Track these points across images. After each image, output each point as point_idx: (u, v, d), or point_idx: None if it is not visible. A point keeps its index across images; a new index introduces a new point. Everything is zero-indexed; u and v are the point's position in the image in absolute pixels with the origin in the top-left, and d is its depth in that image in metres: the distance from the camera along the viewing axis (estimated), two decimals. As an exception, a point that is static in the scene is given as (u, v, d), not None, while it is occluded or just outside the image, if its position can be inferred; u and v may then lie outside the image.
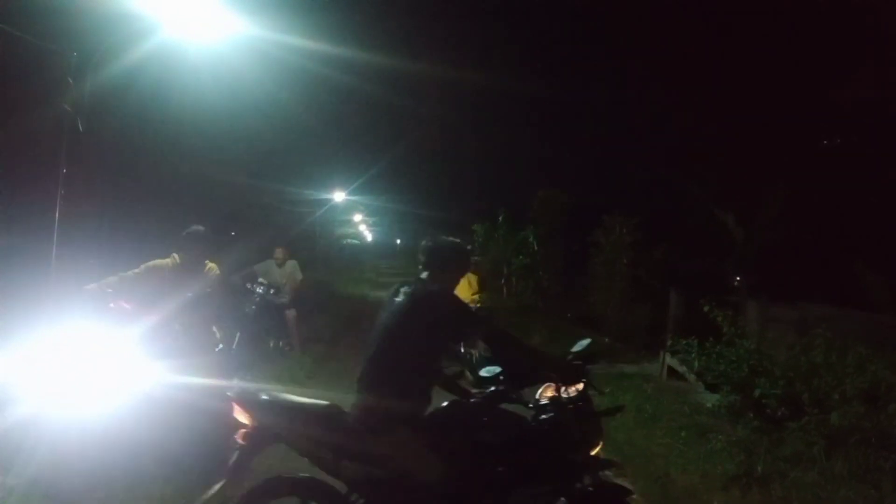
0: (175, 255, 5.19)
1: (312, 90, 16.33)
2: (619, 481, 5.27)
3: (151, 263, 5.13)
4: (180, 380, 4.64)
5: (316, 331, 11.78)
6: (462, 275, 3.64)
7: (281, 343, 9.27)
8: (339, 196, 27.35)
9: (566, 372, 3.34)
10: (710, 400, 7.47)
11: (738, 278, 14.44)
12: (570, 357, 3.50)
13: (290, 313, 9.31)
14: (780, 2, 14.31)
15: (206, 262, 5.28)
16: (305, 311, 11.71)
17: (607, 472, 3.59)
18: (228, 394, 3.21)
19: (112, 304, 4.89)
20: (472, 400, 3.45)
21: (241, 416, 3.11)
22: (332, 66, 13.70)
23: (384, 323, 3.26)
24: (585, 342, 3.61)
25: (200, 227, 5.24)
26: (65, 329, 4.57)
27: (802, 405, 5.87)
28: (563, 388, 3.45)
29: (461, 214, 28.32)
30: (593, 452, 3.46)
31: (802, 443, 5.57)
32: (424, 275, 3.43)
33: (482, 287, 10.97)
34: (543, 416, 3.33)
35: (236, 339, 7.78)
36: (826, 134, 13.45)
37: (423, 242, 3.54)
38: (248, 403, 3.12)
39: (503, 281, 25.76)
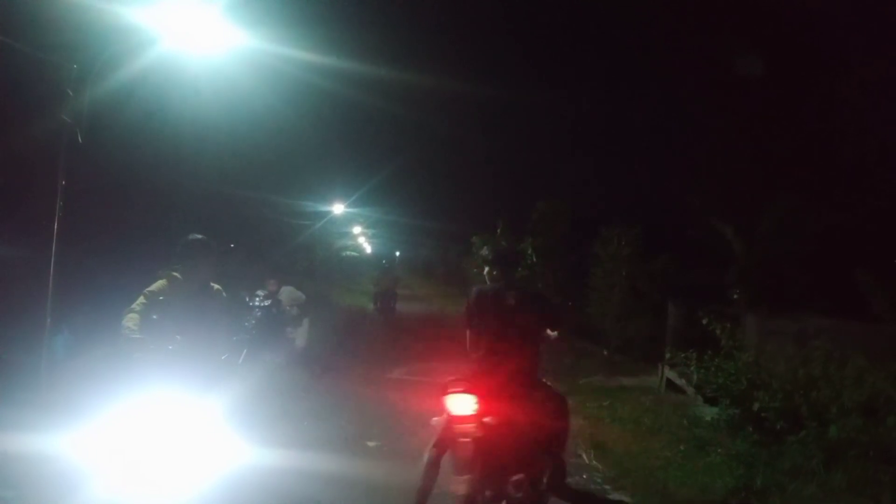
0: (174, 273, 4.48)
1: (312, 102, 16.44)
2: (618, 494, 5.28)
3: (153, 290, 4.40)
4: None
5: (312, 344, 11.73)
6: None
7: (277, 358, 9.36)
8: (338, 208, 27.36)
9: None
10: (709, 413, 7.44)
11: (736, 290, 14.39)
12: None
13: (305, 321, 10.19)
14: (780, 10, 14.34)
15: (212, 283, 4.66)
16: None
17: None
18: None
19: (170, 346, 4.18)
20: None
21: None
22: (331, 79, 13.77)
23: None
24: None
25: (200, 236, 4.54)
26: (143, 395, 4.01)
27: (801, 418, 5.85)
28: None
29: (460, 225, 28.34)
30: None
31: (801, 456, 5.53)
32: (496, 273, 4.47)
33: None
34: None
35: (242, 354, 7.88)
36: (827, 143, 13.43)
37: (496, 250, 4.89)
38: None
39: (502, 293, 25.61)
